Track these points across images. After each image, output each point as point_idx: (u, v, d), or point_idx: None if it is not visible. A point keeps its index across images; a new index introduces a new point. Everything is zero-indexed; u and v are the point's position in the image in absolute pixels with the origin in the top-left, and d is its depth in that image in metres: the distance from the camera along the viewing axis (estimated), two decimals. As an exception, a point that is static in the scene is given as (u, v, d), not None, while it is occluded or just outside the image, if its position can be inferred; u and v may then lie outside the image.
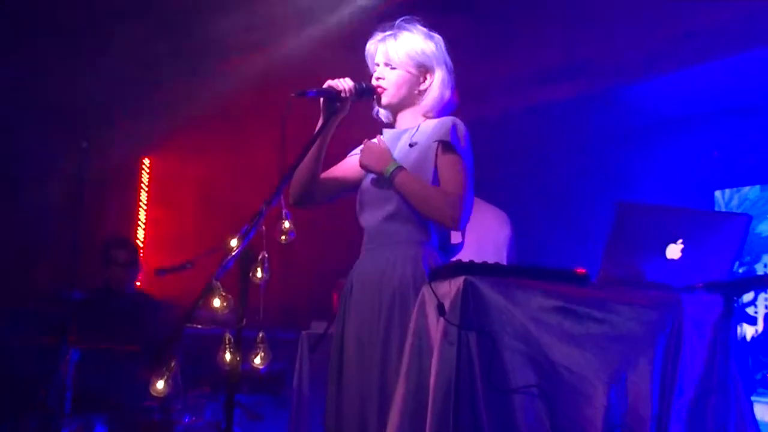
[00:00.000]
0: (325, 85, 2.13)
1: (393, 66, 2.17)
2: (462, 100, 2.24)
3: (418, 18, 2.20)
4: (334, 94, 2.12)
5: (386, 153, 2.12)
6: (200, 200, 5.31)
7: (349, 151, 2.31)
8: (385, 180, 2.09)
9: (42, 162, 4.77)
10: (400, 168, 2.07)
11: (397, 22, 2.20)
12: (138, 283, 4.10)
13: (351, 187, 2.25)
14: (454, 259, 2.12)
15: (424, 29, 2.20)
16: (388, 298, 2.03)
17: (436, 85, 2.18)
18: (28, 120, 4.66)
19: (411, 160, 2.12)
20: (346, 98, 2.13)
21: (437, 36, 2.21)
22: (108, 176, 5.24)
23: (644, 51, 3.70)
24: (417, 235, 2.07)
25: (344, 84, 2.13)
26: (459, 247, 2.15)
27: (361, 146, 2.20)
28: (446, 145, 2.08)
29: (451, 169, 2.07)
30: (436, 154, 2.09)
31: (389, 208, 2.10)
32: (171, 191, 5.55)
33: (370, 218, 2.15)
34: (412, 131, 2.19)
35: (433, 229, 2.10)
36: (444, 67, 2.19)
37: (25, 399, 3.17)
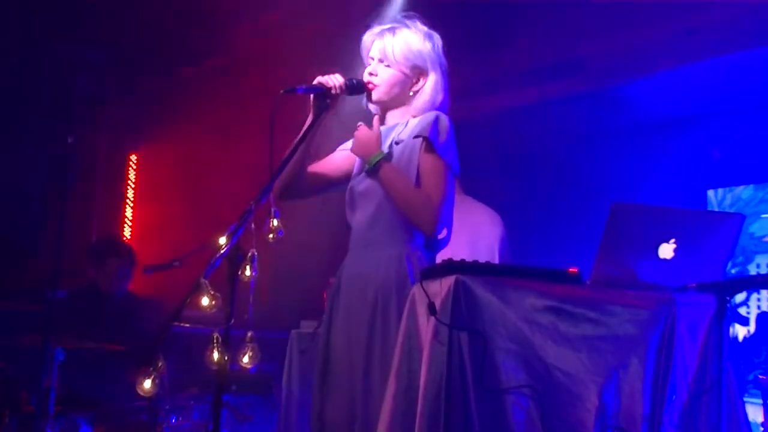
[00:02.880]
0: (315, 82, 2.11)
1: (387, 63, 2.15)
2: (456, 97, 2.23)
3: (418, 15, 2.18)
4: (324, 91, 2.10)
5: (374, 140, 2.09)
6: (188, 197, 5.27)
7: (338, 146, 2.29)
8: (370, 169, 2.07)
9: (27, 158, 4.71)
10: (385, 159, 2.06)
11: (398, 17, 2.18)
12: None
13: (338, 182, 2.24)
14: (440, 253, 2.10)
15: (425, 28, 2.18)
16: (372, 298, 2.02)
17: (429, 87, 2.16)
18: (13, 115, 4.61)
19: (395, 158, 2.11)
20: (336, 95, 2.10)
21: (437, 36, 2.19)
22: (94, 172, 5.20)
23: (639, 51, 3.70)
24: (402, 234, 2.06)
25: (334, 80, 2.11)
26: (444, 241, 2.13)
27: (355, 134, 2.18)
28: (427, 143, 2.06)
29: (431, 173, 2.05)
30: (419, 152, 2.07)
31: (375, 207, 2.09)
32: (158, 188, 5.50)
33: (357, 217, 2.14)
34: (400, 128, 2.17)
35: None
36: (439, 69, 2.17)
37: (8, 400, 3.12)
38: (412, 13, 2.18)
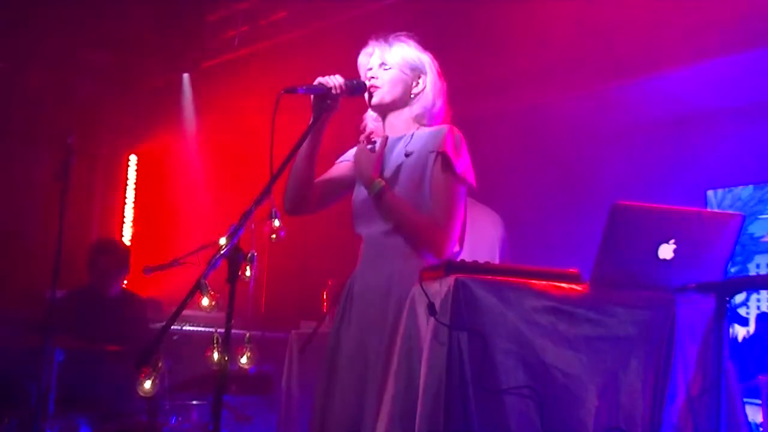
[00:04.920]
0: (315, 82, 2.11)
1: (388, 66, 2.15)
2: (457, 99, 2.23)
3: (410, 34, 2.20)
4: (324, 91, 2.10)
5: (371, 166, 2.07)
6: (188, 198, 5.28)
7: (338, 156, 2.29)
8: (372, 196, 2.06)
9: (26, 158, 4.72)
10: (385, 188, 2.04)
11: (390, 36, 2.19)
12: (125, 282, 4.05)
13: (344, 192, 2.23)
14: None
15: (416, 44, 2.20)
16: (393, 310, 2.00)
17: (429, 89, 2.16)
18: (12, 115, 4.61)
19: (407, 171, 2.09)
20: (336, 95, 2.10)
21: (428, 53, 2.21)
22: (94, 173, 5.21)
23: (639, 51, 3.70)
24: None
25: (335, 80, 2.10)
26: (457, 255, 2.12)
27: (355, 148, 2.17)
28: (443, 158, 2.05)
29: (442, 192, 2.03)
30: (433, 167, 2.06)
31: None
32: (158, 188, 5.51)
33: (369, 230, 2.12)
34: (407, 139, 2.16)
35: None
36: (437, 75, 2.18)
37: (8, 399, 3.13)
38: (402, 33, 2.20)
